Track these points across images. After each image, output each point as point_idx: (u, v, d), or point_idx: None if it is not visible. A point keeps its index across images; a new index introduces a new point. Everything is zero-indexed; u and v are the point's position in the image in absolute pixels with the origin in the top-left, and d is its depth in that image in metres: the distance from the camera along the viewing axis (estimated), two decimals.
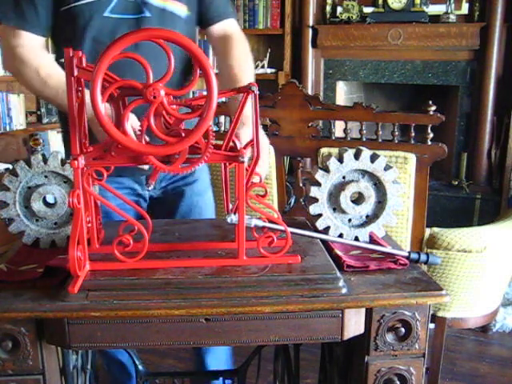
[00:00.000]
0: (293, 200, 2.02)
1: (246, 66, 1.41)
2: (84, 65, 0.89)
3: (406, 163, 1.80)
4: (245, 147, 0.96)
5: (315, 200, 1.08)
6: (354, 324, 0.94)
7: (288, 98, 1.88)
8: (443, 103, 3.35)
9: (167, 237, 1.11)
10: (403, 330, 0.94)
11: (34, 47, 1.31)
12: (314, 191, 1.08)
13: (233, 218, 0.97)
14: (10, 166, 3.26)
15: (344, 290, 0.91)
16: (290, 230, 1.00)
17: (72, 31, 1.30)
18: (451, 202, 3.45)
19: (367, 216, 1.11)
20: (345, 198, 1.08)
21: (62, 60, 1.22)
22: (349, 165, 1.08)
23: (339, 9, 3.62)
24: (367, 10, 3.65)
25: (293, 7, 3.82)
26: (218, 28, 1.47)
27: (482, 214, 3.41)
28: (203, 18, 1.47)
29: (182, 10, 1.39)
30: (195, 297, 0.89)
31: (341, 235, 1.10)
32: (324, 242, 1.09)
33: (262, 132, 1.19)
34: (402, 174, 1.77)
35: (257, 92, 0.94)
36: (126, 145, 0.85)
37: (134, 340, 0.91)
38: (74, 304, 0.87)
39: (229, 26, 1.48)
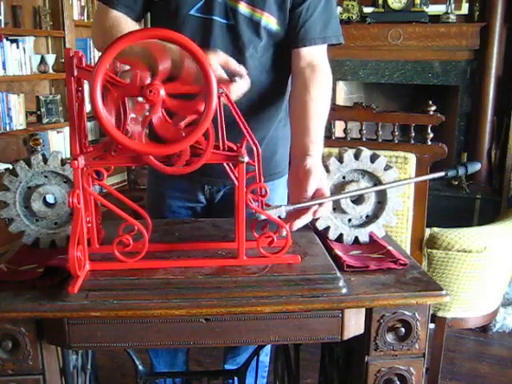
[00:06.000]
0: None
1: (320, 113, 1.23)
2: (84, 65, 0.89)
3: (406, 163, 1.80)
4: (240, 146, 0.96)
5: None
6: (354, 324, 0.93)
7: None
8: (443, 103, 3.35)
9: (167, 237, 1.11)
10: (403, 329, 0.94)
11: (125, 30, 1.27)
12: None
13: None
14: (10, 166, 3.26)
15: (344, 290, 0.91)
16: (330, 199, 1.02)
17: (161, 24, 1.27)
18: (451, 202, 3.45)
19: (367, 216, 1.11)
20: (345, 198, 1.08)
21: None
22: (349, 165, 1.08)
23: (339, 9, 3.62)
24: (367, 9, 3.65)
25: None
26: (305, 53, 1.27)
27: (482, 213, 3.42)
28: (292, 36, 1.27)
29: (272, 24, 1.25)
30: (195, 297, 0.89)
31: (341, 235, 1.10)
32: (324, 242, 1.09)
33: (319, 164, 1.10)
34: (402, 174, 1.77)
35: (226, 92, 0.93)
36: (126, 145, 0.85)
37: (134, 340, 0.91)
38: (74, 304, 0.87)
39: (318, 55, 1.28)
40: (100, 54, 0.88)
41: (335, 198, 1.06)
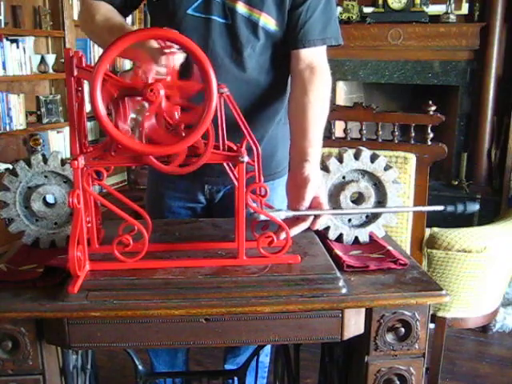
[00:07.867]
0: None
1: (318, 116, 1.21)
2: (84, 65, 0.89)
3: (406, 163, 1.80)
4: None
5: None
6: (354, 324, 0.94)
7: None
8: (443, 103, 3.35)
9: (167, 237, 1.11)
10: (403, 330, 0.94)
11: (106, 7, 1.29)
12: None
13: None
14: (10, 166, 3.26)
15: (344, 290, 0.91)
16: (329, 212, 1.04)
17: (160, 24, 1.25)
18: (451, 202, 3.44)
19: (367, 216, 1.11)
20: (345, 198, 1.08)
21: None
22: (349, 165, 1.08)
23: (339, 9, 3.62)
24: (367, 10, 3.65)
25: None
26: (304, 55, 1.26)
27: (482, 214, 3.41)
28: (292, 38, 1.26)
29: (270, 24, 1.25)
30: (195, 297, 0.89)
31: (341, 235, 1.10)
32: (324, 241, 1.09)
33: (317, 171, 1.10)
34: (402, 174, 1.77)
35: (227, 93, 0.95)
36: (126, 145, 0.85)
37: (134, 340, 0.91)
38: (74, 304, 0.87)
39: (317, 57, 1.27)
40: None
41: (334, 213, 1.07)
